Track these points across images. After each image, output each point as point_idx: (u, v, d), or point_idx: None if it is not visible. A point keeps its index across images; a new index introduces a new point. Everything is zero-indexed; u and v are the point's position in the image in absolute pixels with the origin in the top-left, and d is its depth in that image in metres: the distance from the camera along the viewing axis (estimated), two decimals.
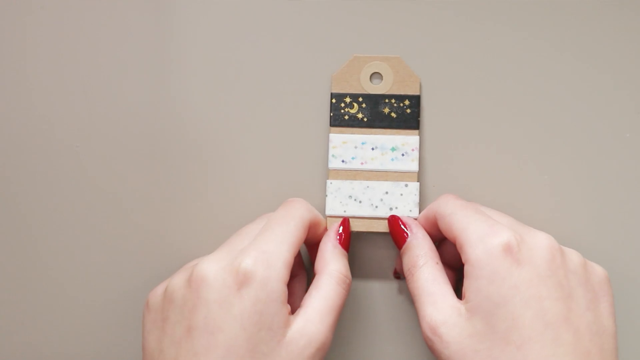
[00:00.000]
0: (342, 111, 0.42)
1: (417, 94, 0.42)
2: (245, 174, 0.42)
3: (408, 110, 0.41)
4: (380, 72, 0.42)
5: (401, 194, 0.41)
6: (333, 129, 0.42)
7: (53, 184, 0.42)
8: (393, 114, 0.41)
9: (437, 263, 0.38)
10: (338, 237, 0.40)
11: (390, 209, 0.41)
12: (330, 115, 0.42)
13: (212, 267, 0.36)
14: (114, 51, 0.42)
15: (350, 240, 0.41)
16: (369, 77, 0.42)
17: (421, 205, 0.42)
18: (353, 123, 0.42)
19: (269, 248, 0.36)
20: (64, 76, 0.42)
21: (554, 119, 0.42)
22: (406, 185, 0.41)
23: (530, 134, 0.42)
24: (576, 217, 0.42)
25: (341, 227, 0.40)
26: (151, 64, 0.42)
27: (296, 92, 0.42)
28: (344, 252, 0.40)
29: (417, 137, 0.41)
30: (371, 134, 0.42)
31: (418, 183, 0.41)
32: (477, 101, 0.42)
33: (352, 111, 0.42)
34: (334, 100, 0.42)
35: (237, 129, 0.42)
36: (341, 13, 0.42)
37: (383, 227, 0.41)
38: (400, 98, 0.42)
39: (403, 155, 0.41)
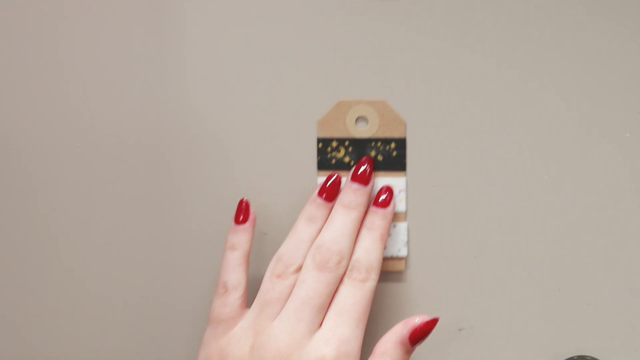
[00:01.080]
0: (329, 155, 0.42)
1: (403, 136, 0.42)
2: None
3: (394, 153, 0.42)
4: (365, 115, 0.42)
5: (390, 235, 0.42)
6: (320, 172, 0.42)
7: (52, 184, 0.43)
8: (379, 157, 0.42)
9: None
10: (410, 333, 0.36)
11: None
12: (318, 160, 0.42)
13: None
14: (114, 52, 0.43)
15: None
16: (354, 120, 0.42)
17: (410, 244, 0.42)
18: (340, 167, 0.42)
19: (347, 335, 0.37)
20: (64, 75, 0.43)
21: (553, 119, 0.42)
22: (394, 226, 0.42)
23: (526, 141, 0.42)
24: (576, 217, 0.42)
25: (419, 321, 0.36)
26: (151, 71, 0.43)
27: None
28: (411, 348, 0.36)
29: (404, 179, 0.42)
30: None
31: (406, 223, 0.42)
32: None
33: (339, 155, 0.42)
34: (320, 145, 0.42)
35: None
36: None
37: None
38: (386, 141, 0.42)
39: None
